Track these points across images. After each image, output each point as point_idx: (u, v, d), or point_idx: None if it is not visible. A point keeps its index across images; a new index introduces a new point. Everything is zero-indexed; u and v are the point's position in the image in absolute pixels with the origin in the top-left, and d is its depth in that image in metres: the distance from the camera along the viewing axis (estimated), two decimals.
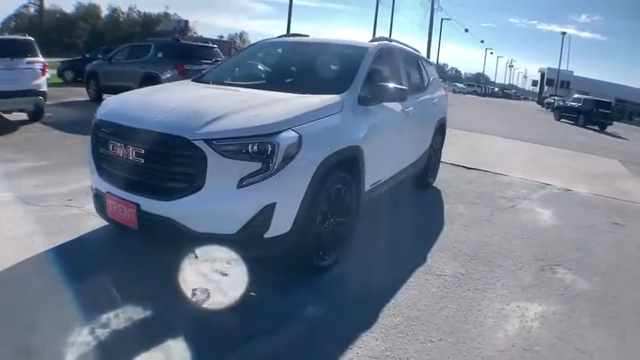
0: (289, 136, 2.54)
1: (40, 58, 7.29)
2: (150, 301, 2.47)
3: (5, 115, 7.49)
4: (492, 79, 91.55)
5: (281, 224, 2.56)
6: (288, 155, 2.51)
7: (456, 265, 3.34)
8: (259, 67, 4.12)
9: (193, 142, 2.43)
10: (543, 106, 35.73)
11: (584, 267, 3.48)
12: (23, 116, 7.59)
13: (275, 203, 2.50)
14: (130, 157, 2.66)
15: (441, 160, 6.95)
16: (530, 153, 9.45)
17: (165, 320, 2.35)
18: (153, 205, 2.56)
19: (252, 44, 4.75)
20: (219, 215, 2.48)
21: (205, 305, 2.49)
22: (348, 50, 3.86)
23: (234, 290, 2.55)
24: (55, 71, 16.75)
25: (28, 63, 6.99)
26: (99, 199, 2.92)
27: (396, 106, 3.89)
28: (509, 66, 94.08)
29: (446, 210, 4.78)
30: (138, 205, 2.59)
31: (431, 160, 5.36)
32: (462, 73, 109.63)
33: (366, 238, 3.67)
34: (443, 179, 5.95)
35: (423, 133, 4.94)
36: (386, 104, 3.69)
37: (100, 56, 13.95)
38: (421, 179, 5.35)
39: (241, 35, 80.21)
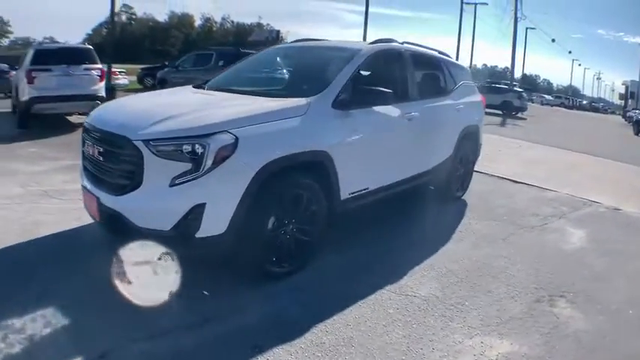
0: (222, 138, 2.51)
1: (98, 65, 8.05)
2: (91, 287, 2.63)
3: (68, 117, 8.39)
4: (582, 92, 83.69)
5: (213, 225, 2.52)
6: (220, 157, 2.49)
7: (435, 286, 3.00)
8: (253, 73, 4.10)
9: (134, 142, 2.52)
10: (626, 120, 32.14)
11: (592, 301, 2.91)
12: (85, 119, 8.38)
13: (205, 204, 2.48)
14: (95, 155, 2.84)
15: (489, 172, 6.55)
16: (592, 168, 8.33)
17: (95, 306, 2.45)
18: (108, 200, 2.70)
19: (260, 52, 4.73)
20: (155, 212, 2.54)
21: (142, 297, 2.49)
22: (339, 53, 3.68)
23: (173, 285, 2.55)
24: (135, 77, 18.36)
25: (86, 69, 7.74)
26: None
27: (391, 111, 3.63)
28: (597, 78, 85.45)
29: (462, 225, 4.35)
30: (98, 199, 2.76)
31: (455, 171, 4.92)
32: (554, 85, 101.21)
33: (350, 247, 3.48)
34: (478, 191, 5.46)
35: (439, 140, 4.52)
36: (376, 109, 3.46)
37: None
38: (444, 191, 4.92)
39: None
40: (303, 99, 3.01)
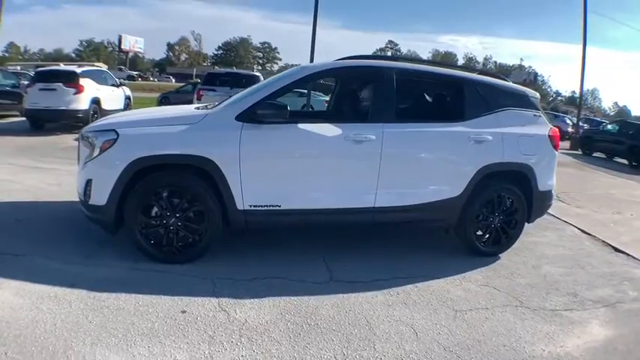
0: (107, 134, 3.08)
1: None
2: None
3: None
4: None
5: (97, 197, 3.06)
6: (104, 147, 3.05)
7: (266, 318, 2.55)
8: None
9: (81, 133, 3.43)
10: None
11: None
12: None
13: (92, 179, 3.08)
14: None
15: (595, 234, 4.77)
16: None
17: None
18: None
19: None
20: (79, 181, 3.27)
21: None
22: (292, 71, 3.52)
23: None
24: None
25: None
26: None
27: (323, 130, 3.22)
28: None
29: (443, 282, 3.25)
30: None
31: (477, 220, 3.69)
32: None
33: (256, 261, 3.31)
34: (537, 253, 4.06)
35: (426, 172, 3.54)
36: (302, 126, 3.26)
37: None
38: (461, 241, 3.79)
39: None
40: (200, 110, 3.20)
